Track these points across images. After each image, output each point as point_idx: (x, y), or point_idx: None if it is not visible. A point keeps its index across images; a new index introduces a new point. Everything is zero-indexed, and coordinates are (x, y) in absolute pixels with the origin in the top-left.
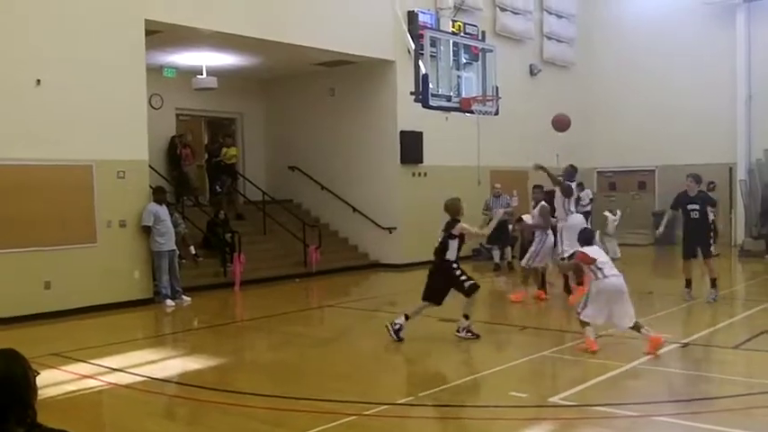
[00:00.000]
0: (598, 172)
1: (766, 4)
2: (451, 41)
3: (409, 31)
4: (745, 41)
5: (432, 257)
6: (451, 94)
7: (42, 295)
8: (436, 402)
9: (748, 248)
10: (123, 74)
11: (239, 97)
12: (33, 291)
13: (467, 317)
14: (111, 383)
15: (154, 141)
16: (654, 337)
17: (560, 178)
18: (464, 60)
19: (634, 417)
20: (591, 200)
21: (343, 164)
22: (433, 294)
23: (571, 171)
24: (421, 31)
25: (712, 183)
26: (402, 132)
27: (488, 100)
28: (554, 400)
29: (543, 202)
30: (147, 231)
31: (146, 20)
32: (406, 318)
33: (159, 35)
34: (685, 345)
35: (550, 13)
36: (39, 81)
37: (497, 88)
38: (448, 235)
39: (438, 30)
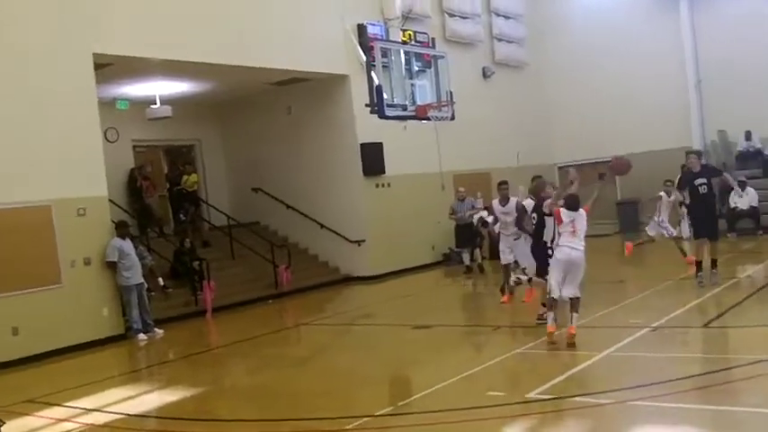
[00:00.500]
0: (559, 167)
1: None
2: (402, 51)
3: (360, 43)
4: (690, 28)
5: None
6: (407, 102)
7: (11, 342)
8: (416, 410)
9: None
10: (76, 109)
11: (196, 123)
12: (1, 338)
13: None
14: (87, 424)
15: (112, 175)
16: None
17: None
18: (417, 68)
19: (612, 404)
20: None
21: (306, 181)
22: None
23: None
24: (371, 43)
25: (669, 181)
26: (362, 145)
27: (444, 106)
28: (532, 395)
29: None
30: (112, 267)
31: (94, 53)
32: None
33: (110, 68)
34: (655, 328)
35: (498, 15)
36: None
37: (452, 93)
38: (541, 215)
39: (388, 40)
